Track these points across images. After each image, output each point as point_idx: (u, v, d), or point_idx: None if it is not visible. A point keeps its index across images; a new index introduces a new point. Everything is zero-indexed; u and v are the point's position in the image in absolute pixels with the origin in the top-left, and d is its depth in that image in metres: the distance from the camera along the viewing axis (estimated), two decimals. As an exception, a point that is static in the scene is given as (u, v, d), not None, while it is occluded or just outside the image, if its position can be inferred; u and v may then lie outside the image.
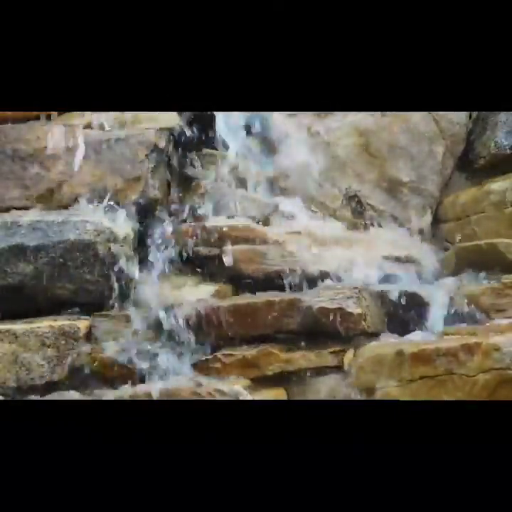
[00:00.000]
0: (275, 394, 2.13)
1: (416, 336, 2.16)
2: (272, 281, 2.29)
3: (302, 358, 2.16)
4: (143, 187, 2.35)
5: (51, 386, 2.11)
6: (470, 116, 2.64)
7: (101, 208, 2.30)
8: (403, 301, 2.23)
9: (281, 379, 2.15)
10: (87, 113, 2.38)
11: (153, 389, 2.07)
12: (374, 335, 2.18)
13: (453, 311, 2.23)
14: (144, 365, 2.13)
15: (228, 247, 2.32)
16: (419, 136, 2.60)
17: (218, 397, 2.03)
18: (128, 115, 2.41)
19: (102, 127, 2.38)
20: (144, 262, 2.33)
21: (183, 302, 2.22)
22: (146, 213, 2.37)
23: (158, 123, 2.42)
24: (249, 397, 2.05)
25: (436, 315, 2.23)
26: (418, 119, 2.59)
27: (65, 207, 2.29)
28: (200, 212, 2.44)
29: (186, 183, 2.47)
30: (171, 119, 2.44)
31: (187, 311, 2.18)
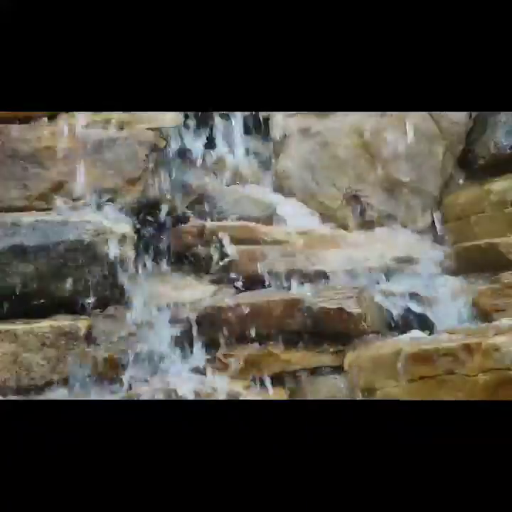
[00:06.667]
0: (275, 394, 2.13)
1: (416, 336, 2.16)
2: (272, 281, 2.29)
3: (302, 358, 2.16)
4: (143, 187, 2.35)
5: (51, 386, 2.10)
6: (470, 116, 2.65)
7: (101, 207, 2.30)
8: (403, 301, 2.23)
9: (281, 379, 2.15)
10: (87, 113, 2.37)
11: (153, 389, 2.07)
12: (374, 335, 2.18)
13: (453, 311, 2.23)
14: (143, 365, 2.13)
15: (228, 247, 2.32)
16: (419, 136, 2.60)
17: (218, 397, 2.03)
18: (128, 115, 2.41)
19: (102, 127, 2.38)
20: (143, 262, 2.33)
21: (183, 302, 2.22)
22: (146, 213, 2.37)
23: (158, 123, 2.42)
24: (249, 397, 2.05)
25: (436, 315, 2.24)
26: (418, 119, 2.59)
27: (65, 207, 2.29)
28: (200, 212, 2.44)
29: (186, 183, 2.47)
30: (171, 119, 2.44)
31: (187, 311, 2.18)
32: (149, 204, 2.36)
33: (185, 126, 2.49)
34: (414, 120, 2.59)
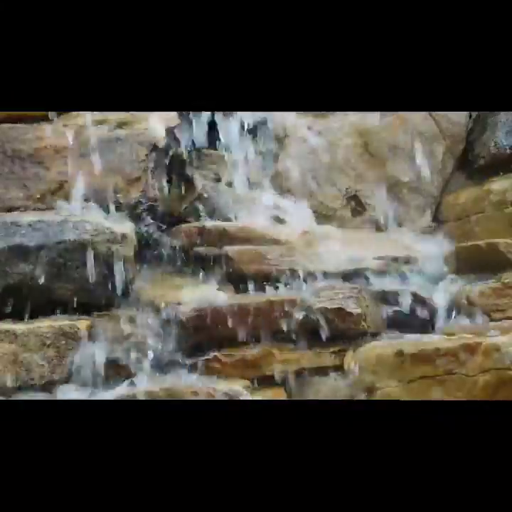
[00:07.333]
0: (275, 394, 2.13)
1: (416, 336, 2.16)
2: (272, 281, 2.29)
3: (302, 358, 2.16)
4: (143, 187, 2.35)
5: (51, 386, 2.10)
6: (470, 116, 2.65)
7: (101, 207, 2.30)
8: (403, 301, 2.23)
9: (281, 379, 2.15)
10: (87, 113, 2.37)
11: (153, 389, 2.07)
12: (374, 335, 2.18)
13: (453, 311, 2.23)
14: (143, 365, 2.13)
15: (228, 247, 2.32)
16: (419, 136, 2.60)
17: (218, 397, 2.03)
18: (128, 115, 2.41)
19: (102, 127, 2.38)
20: (143, 262, 2.33)
21: (183, 302, 2.22)
22: (146, 213, 2.37)
23: (158, 123, 2.42)
24: (249, 397, 2.05)
25: (436, 315, 2.23)
26: (418, 119, 2.59)
27: (65, 207, 2.29)
28: (200, 212, 2.44)
29: (186, 183, 2.47)
30: (171, 119, 2.44)
31: (187, 311, 2.18)
32: (149, 204, 2.36)
33: (186, 125, 2.49)
34: (414, 120, 2.59)
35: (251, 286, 2.29)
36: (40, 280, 2.17)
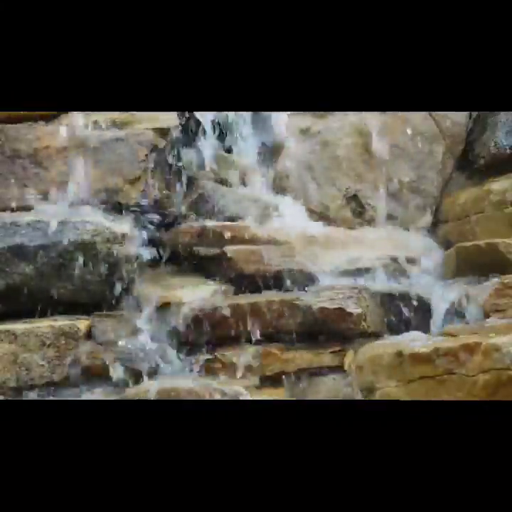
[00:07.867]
0: (275, 394, 2.13)
1: (416, 336, 2.16)
2: (272, 281, 2.29)
3: (302, 358, 2.16)
4: (143, 187, 2.35)
5: (51, 386, 2.10)
6: (470, 116, 2.65)
7: (101, 207, 2.30)
8: (403, 301, 2.23)
9: (281, 379, 2.15)
10: (87, 113, 2.37)
11: (153, 389, 2.07)
12: (374, 335, 2.18)
13: (453, 311, 2.23)
14: (143, 365, 2.13)
15: (228, 247, 2.32)
16: (419, 136, 2.60)
17: (218, 397, 2.03)
18: (128, 115, 2.41)
19: (101, 127, 2.38)
20: (143, 261, 2.33)
21: (183, 302, 2.22)
22: (145, 213, 2.37)
23: (158, 123, 2.42)
24: (249, 397, 2.05)
25: (436, 315, 2.24)
26: (418, 119, 2.60)
27: (65, 207, 2.29)
28: (200, 212, 2.44)
29: (186, 183, 2.47)
30: (170, 119, 2.44)
31: (187, 311, 2.19)
32: (149, 204, 2.37)
33: (185, 126, 2.49)
34: (414, 120, 2.59)
35: (251, 286, 2.30)
36: (40, 280, 2.18)
